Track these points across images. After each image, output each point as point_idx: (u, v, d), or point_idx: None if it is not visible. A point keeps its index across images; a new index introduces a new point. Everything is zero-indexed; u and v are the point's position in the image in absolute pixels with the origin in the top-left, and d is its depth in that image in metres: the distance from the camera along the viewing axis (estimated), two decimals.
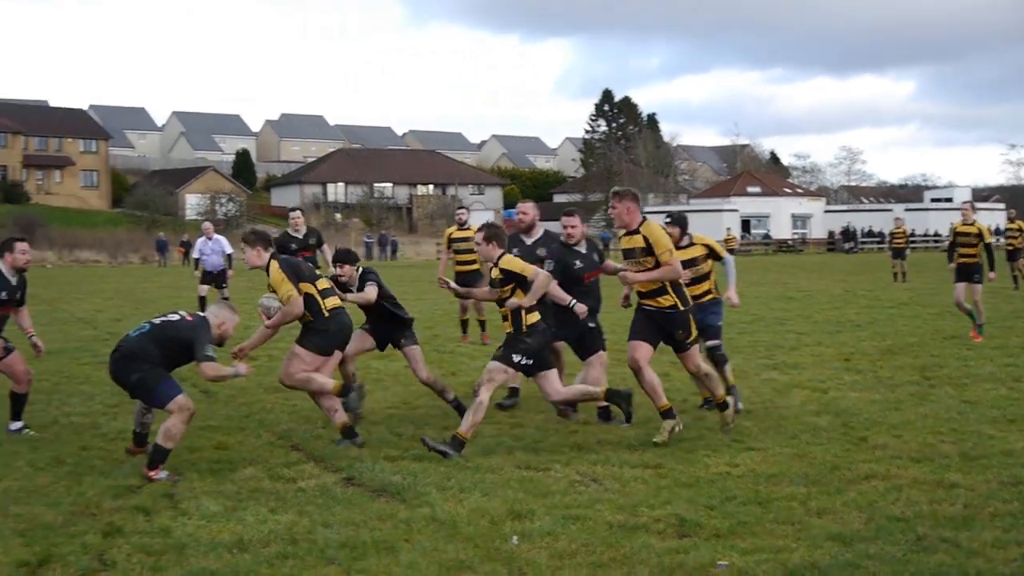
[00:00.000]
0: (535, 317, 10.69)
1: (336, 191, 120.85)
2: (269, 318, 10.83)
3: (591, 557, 7.17)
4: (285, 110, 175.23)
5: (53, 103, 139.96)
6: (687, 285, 11.65)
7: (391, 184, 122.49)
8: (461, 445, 10.22)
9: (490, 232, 11.03)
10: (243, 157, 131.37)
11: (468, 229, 19.30)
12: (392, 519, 8.10)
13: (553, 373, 11.01)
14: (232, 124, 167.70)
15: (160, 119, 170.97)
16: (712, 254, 12.51)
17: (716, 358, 12.33)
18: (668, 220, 12.30)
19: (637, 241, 10.72)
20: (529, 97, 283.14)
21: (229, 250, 26.10)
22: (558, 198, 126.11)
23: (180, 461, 10.12)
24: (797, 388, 13.99)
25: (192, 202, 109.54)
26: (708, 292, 12.52)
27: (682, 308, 10.80)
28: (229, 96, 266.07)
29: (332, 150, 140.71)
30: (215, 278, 25.84)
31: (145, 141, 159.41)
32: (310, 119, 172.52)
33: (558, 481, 9.27)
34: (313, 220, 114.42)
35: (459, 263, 19.48)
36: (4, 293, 11.24)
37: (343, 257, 12.33)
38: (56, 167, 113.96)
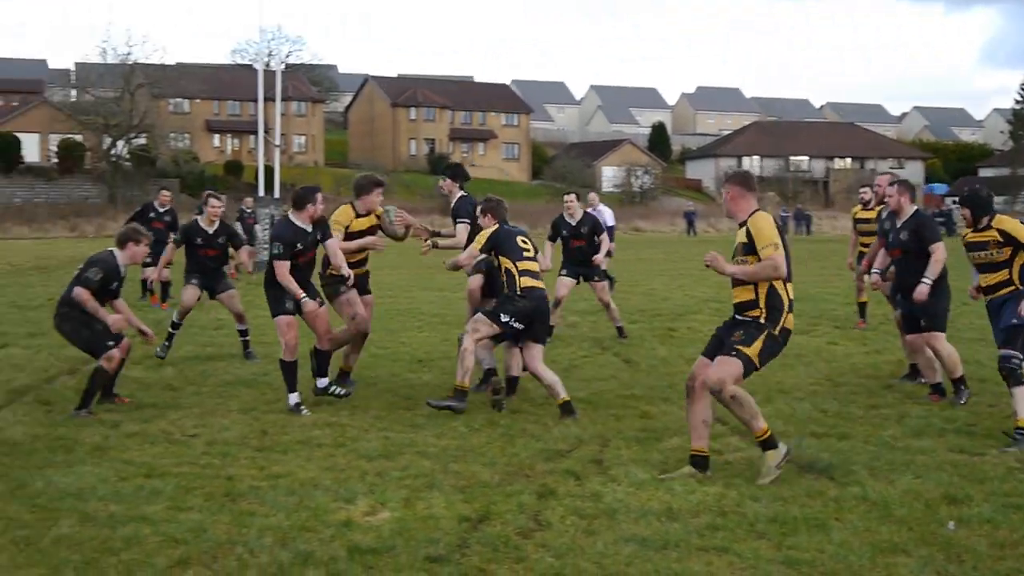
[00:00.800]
0: (532, 283, 11.10)
1: (751, 164, 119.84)
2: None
3: None
4: (701, 83, 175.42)
5: (478, 79, 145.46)
6: (980, 272, 10.64)
7: (807, 157, 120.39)
8: (463, 395, 10.96)
9: (486, 205, 11.51)
10: (659, 130, 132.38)
11: (871, 210, 18.23)
12: (821, 497, 7.99)
13: (539, 349, 11.27)
14: (648, 97, 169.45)
15: (578, 93, 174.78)
16: (1011, 241, 10.37)
17: (1005, 372, 10.13)
18: (956, 201, 11.00)
19: (742, 236, 8.80)
20: (953, 67, 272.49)
21: (611, 222, 25.78)
22: (984, 172, 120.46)
23: (607, 429, 10.33)
24: None
25: (608, 175, 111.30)
26: (1005, 284, 10.44)
27: (764, 322, 8.62)
28: (646, 69, 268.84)
29: (748, 123, 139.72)
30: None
31: (563, 114, 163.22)
32: (726, 92, 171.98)
33: (995, 467, 8.87)
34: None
35: (864, 245, 18.62)
36: (300, 244, 11.56)
37: (448, 169, 12.88)
38: (480, 140, 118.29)
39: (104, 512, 7.60)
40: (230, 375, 13.40)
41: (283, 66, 73.30)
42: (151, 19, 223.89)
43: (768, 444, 8.56)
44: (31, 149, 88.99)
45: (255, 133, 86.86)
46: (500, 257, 11.23)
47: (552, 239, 16.98)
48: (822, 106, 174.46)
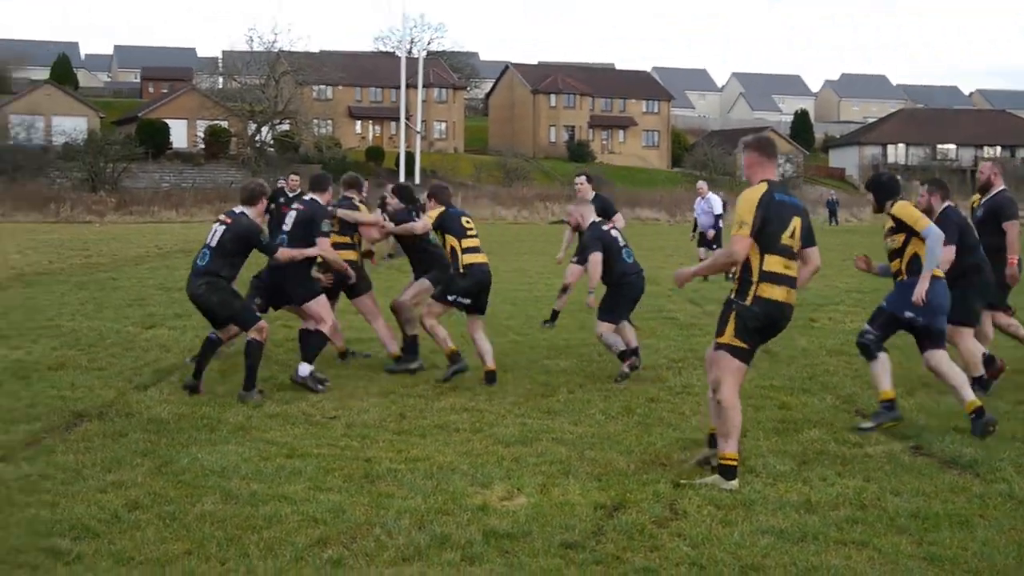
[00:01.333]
0: (474, 258, 12.07)
1: (896, 153, 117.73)
2: None
3: None
4: (846, 70, 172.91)
5: (619, 66, 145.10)
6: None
7: (955, 146, 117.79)
8: (456, 356, 12.11)
9: (432, 189, 12.57)
10: (801, 117, 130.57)
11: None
12: (965, 493, 7.82)
13: (481, 319, 12.35)
14: (791, 84, 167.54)
15: (720, 80, 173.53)
16: (903, 227, 9.93)
17: (860, 346, 10.20)
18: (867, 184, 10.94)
19: None
20: None
21: (719, 210, 25.53)
22: None
23: (744, 419, 10.18)
24: None
25: None
26: (898, 273, 10.13)
27: (732, 299, 8.23)
28: (789, 56, 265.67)
29: (893, 110, 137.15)
30: (705, 240, 25.55)
31: (705, 102, 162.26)
32: (872, 79, 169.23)
33: None
34: None
35: None
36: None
37: (396, 190, 13.83)
38: (620, 127, 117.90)
39: (246, 490, 7.76)
40: (369, 359, 13.55)
41: (425, 53, 73.93)
42: (296, 7, 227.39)
43: (727, 472, 8.04)
44: (179, 135, 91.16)
45: (396, 119, 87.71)
46: (446, 236, 12.22)
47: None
48: (971, 93, 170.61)
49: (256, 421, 10.05)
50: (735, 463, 8.06)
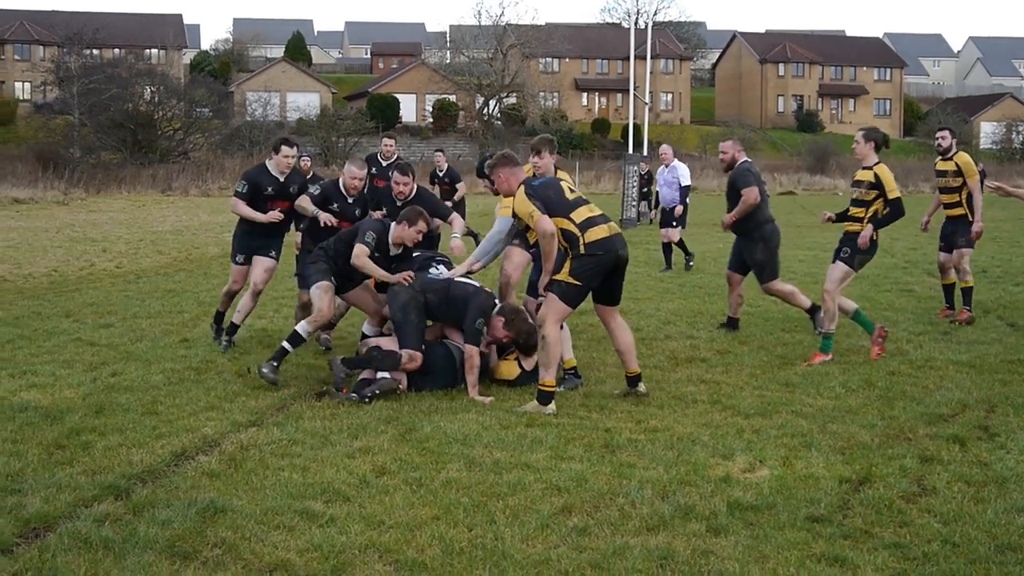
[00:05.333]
0: None
1: None
2: None
3: None
4: None
5: (849, 33, 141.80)
6: None
7: None
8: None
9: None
10: None
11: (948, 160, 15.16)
12: None
13: None
14: None
15: (956, 45, 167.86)
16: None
17: None
18: None
19: None
20: None
21: (686, 181, 21.61)
22: None
23: (992, 394, 9.91)
24: None
25: (987, 130, 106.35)
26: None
27: (566, 252, 9.58)
28: None
29: None
30: (669, 217, 21.64)
31: (939, 68, 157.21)
32: None
33: None
34: None
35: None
36: (270, 188, 12.03)
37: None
38: (850, 96, 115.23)
39: (489, 458, 7.87)
40: (600, 331, 13.57)
41: (651, 24, 73.34)
42: None
43: (544, 398, 9.36)
44: (408, 109, 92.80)
45: (622, 91, 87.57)
46: None
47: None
48: None
49: (494, 390, 10.19)
50: (551, 390, 9.39)
